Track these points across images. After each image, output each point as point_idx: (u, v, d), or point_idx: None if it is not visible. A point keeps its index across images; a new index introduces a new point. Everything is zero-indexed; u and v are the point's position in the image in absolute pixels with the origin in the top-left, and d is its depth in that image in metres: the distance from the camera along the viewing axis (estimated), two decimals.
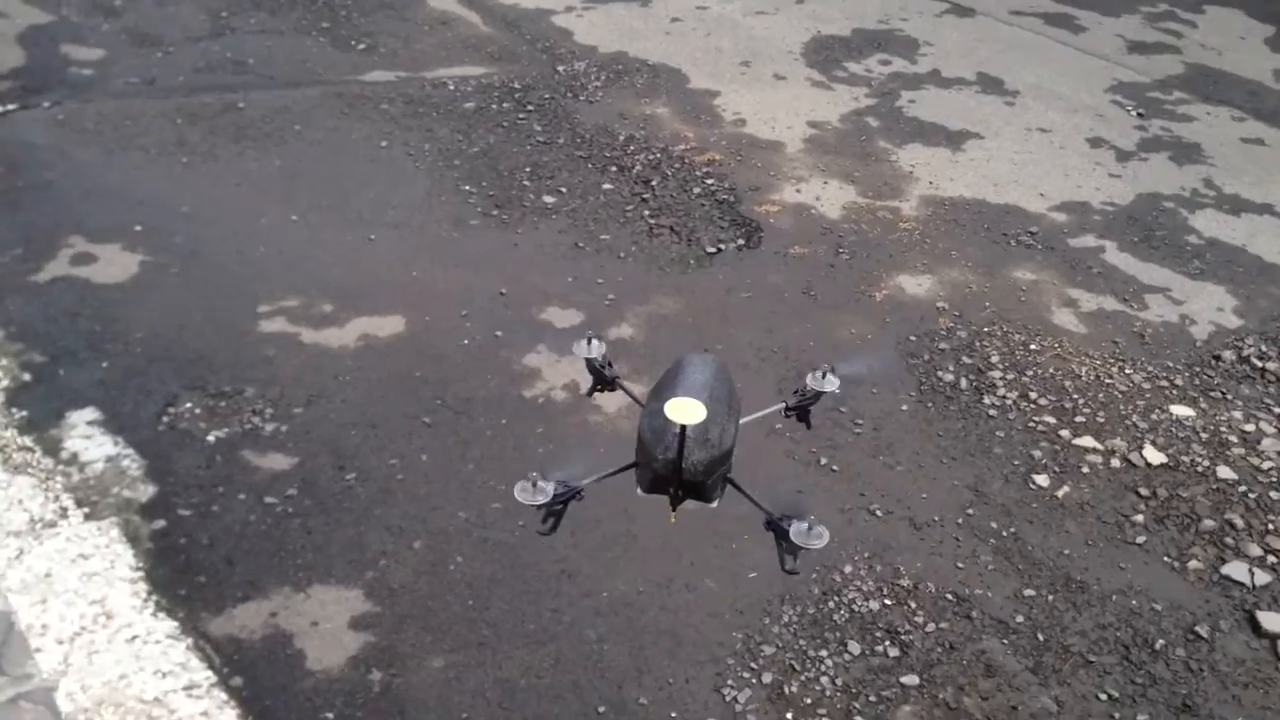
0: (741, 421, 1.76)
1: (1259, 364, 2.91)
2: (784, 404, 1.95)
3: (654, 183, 3.65)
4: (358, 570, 2.20)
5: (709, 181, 3.68)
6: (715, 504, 1.71)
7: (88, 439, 2.45)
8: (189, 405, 2.57)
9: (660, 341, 2.93)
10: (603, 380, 2.00)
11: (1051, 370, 2.86)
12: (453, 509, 2.35)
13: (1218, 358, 2.94)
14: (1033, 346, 2.95)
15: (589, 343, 1.92)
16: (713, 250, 3.33)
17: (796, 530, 1.61)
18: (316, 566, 2.20)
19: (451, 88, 4.14)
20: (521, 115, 4.00)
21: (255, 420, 2.55)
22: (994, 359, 2.90)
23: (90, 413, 2.52)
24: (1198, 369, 2.90)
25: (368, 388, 2.68)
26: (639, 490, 1.70)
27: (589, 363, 1.93)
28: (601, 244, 3.31)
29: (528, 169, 3.67)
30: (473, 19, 4.72)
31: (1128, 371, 2.87)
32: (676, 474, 1.62)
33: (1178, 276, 3.29)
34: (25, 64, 4.02)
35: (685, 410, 1.52)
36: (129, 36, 4.28)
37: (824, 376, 1.89)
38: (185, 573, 2.16)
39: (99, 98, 3.83)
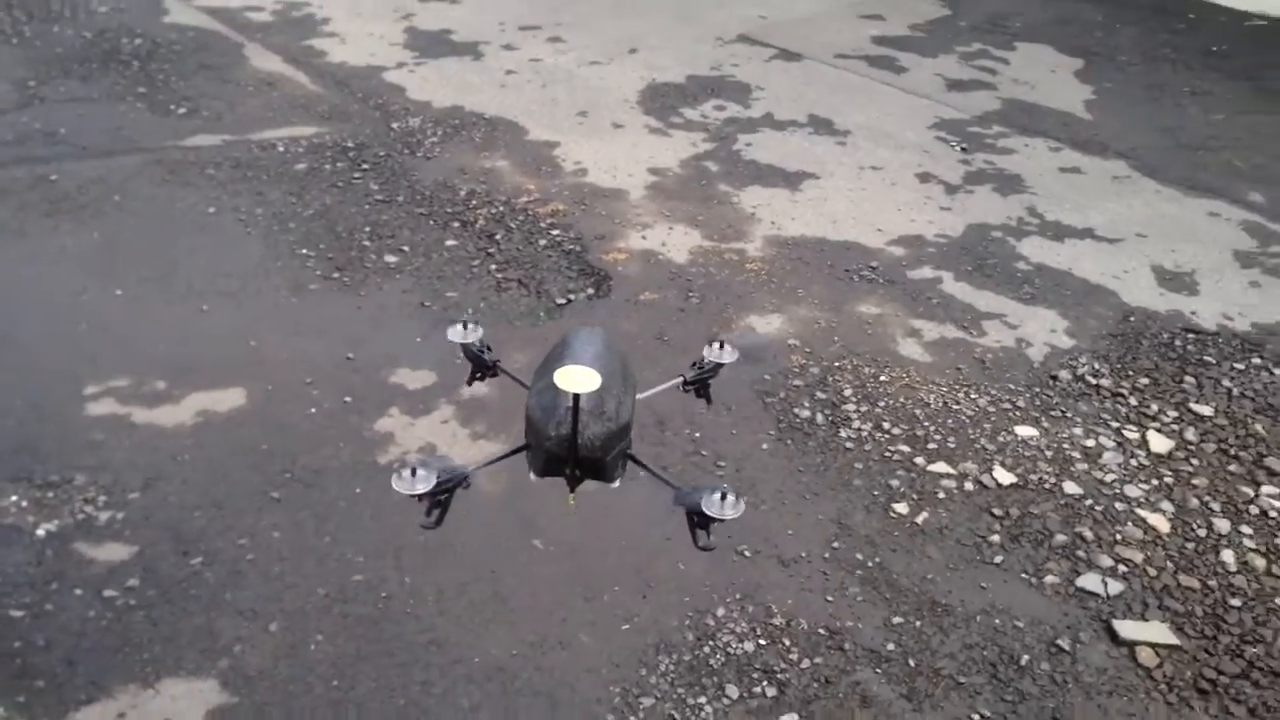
0: (639, 396, 1.67)
1: (1093, 381, 3.04)
2: (682, 377, 1.88)
3: (498, 236, 3.61)
4: (210, 659, 2.07)
5: (554, 232, 3.66)
6: (616, 484, 1.60)
7: None
8: (14, 499, 2.39)
9: (514, 398, 2.87)
10: (482, 366, 1.88)
11: (902, 400, 2.92)
12: (310, 586, 2.24)
13: (1054, 378, 3.06)
14: (883, 378, 3.01)
15: (465, 326, 1.81)
16: (563, 301, 3.30)
17: (709, 503, 1.52)
18: (165, 659, 2.06)
19: (281, 149, 4.02)
20: (357, 175, 3.91)
21: (88, 509, 2.38)
22: (847, 392, 2.94)
23: None
24: (1037, 389, 3.01)
25: (209, 466, 2.54)
26: (532, 476, 1.59)
27: (466, 349, 1.81)
28: (449, 301, 3.24)
29: (367, 229, 3.58)
30: (300, 79, 4.60)
31: (973, 396, 2.96)
32: (573, 451, 1.50)
33: (1011, 302, 3.42)
34: None
35: (577, 379, 1.40)
36: None
37: (720, 348, 1.84)
38: (21, 678, 1.99)
39: None
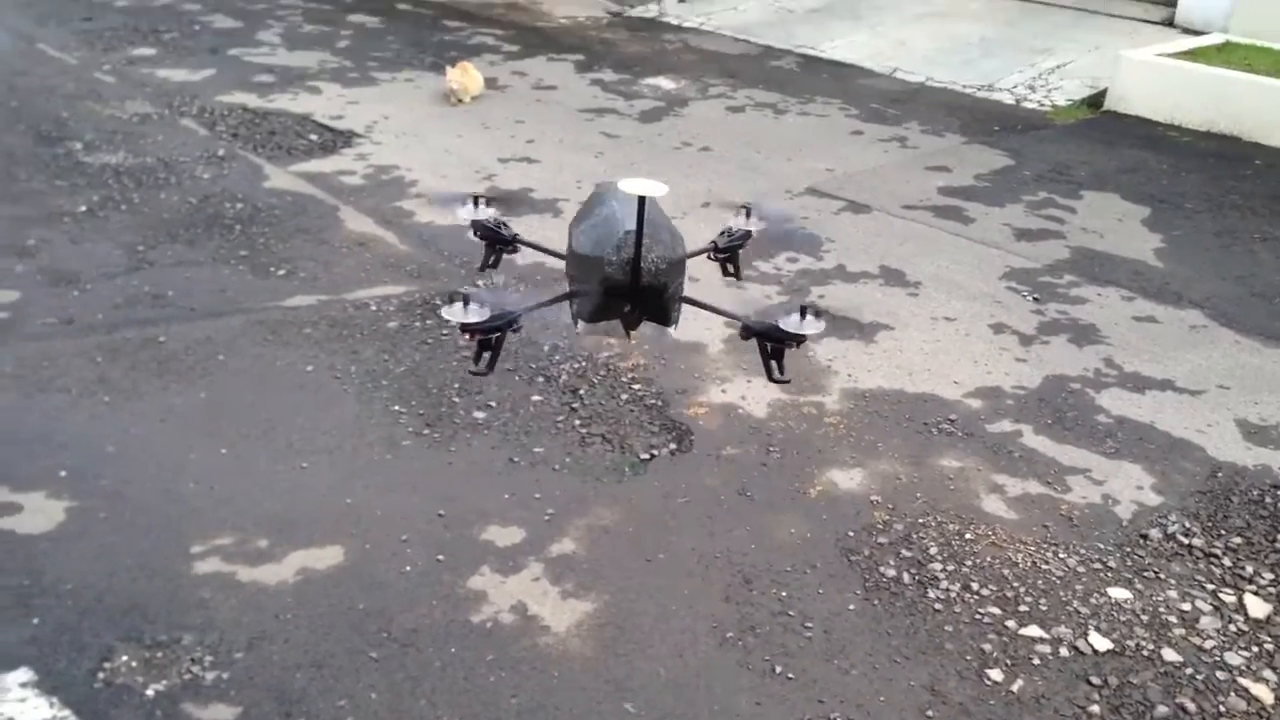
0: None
1: (1185, 540, 3.02)
2: (713, 244, 1.81)
3: (582, 391, 3.71)
4: None
5: (636, 386, 3.76)
6: (674, 329, 1.51)
7: (22, 701, 2.33)
8: (125, 658, 2.47)
9: (603, 555, 2.93)
10: (500, 241, 1.77)
11: (989, 559, 2.92)
12: None
13: (1145, 536, 3.04)
14: (968, 535, 3.02)
15: (475, 204, 1.70)
16: (646, 457, 3.37)
17: (788, 322, 1.42)
18: None
19: (374, 308, 4.19)
20: (445, 331, 4.06)
21: (195, 669, 2.45)
22: (932, 550, 2.95)
23: (23, 673, 2.40)
24: (1128, 549, 2.99)
25: (310, 625, 2.61)
26: (580, 327, 1.50)
27: (478, 226, 1.70)
28: (535, 457, 3.33)
29: (456, 385, 3.70)
30: (390, 239, 4.82)
31: (1062, 556, 2.95)
32: (635, 276, 1.40)
33: (1095, 456, 3.42)
34: None
35: (643, 185, 1.33)
36: (44, 276, 4.27)
37: (747, 216, 1.78)
38: None
39: (15, 341, 3.79)
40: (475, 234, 1.77)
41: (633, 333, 1.53)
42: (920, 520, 3.08)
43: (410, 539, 2.94)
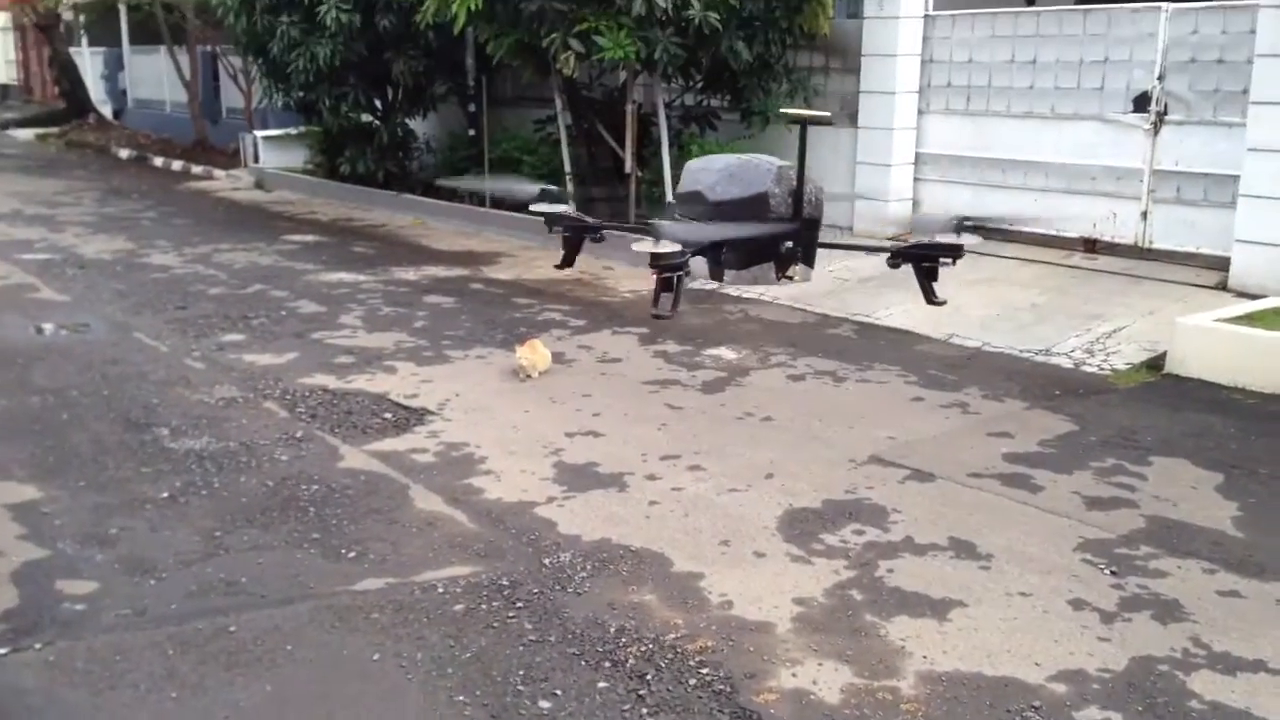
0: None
1: None
2: (906, 244, 1.73)
3: (649, 676, 3.64)
4: None
5: (704, 671, 3.68)
6: (811, 276, 1.47)
7: None
8: None
9: None
10: (587, 230, 1.76)
11: None
12: None
13: None
14: None
15: (546, 199, 1.68)
16: None
17: (944, 235, 1.37)
18: None
19: (440, 590, 4.21)
20: (511, 614, 4.05)
21: None
22: None
23: None
24: None
25: None
26: (727, 276, 1.46)
27: (559, 218, 1.65)
28: None
29: (521, 672, 3.66)
30: (459, 517, 4.90)
31: None
32: (798, 206, 1.42)
33: None
34: (18, 604, 4.07)
35: (805, 111, 1.31)
36: (121, 565, 4.38)
37: (958, 232, 1.72)
38: None
39: (90, 633, 3.86)
40: (554, 228, 1.83)
41: (786, 275, 1.58)
42: None
43: None
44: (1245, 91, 8.21)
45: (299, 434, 5.86)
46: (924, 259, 1.59)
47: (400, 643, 3.82)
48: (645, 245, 1.60)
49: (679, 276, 1.64)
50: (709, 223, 1.55)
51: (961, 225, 1.58)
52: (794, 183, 1.45)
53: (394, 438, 5.87)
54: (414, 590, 4.21)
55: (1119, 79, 9.10)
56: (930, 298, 1.74)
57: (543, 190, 1.96)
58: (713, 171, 1.68)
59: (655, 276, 1.60)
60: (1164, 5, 8.81)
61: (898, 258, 1.66)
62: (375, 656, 3.73)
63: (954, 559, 4.54)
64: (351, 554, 4.50)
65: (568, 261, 1.86)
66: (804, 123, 1.38)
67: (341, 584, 4.25)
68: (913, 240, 1.91)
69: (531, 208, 2.20)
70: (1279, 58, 7.87)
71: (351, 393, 6.61)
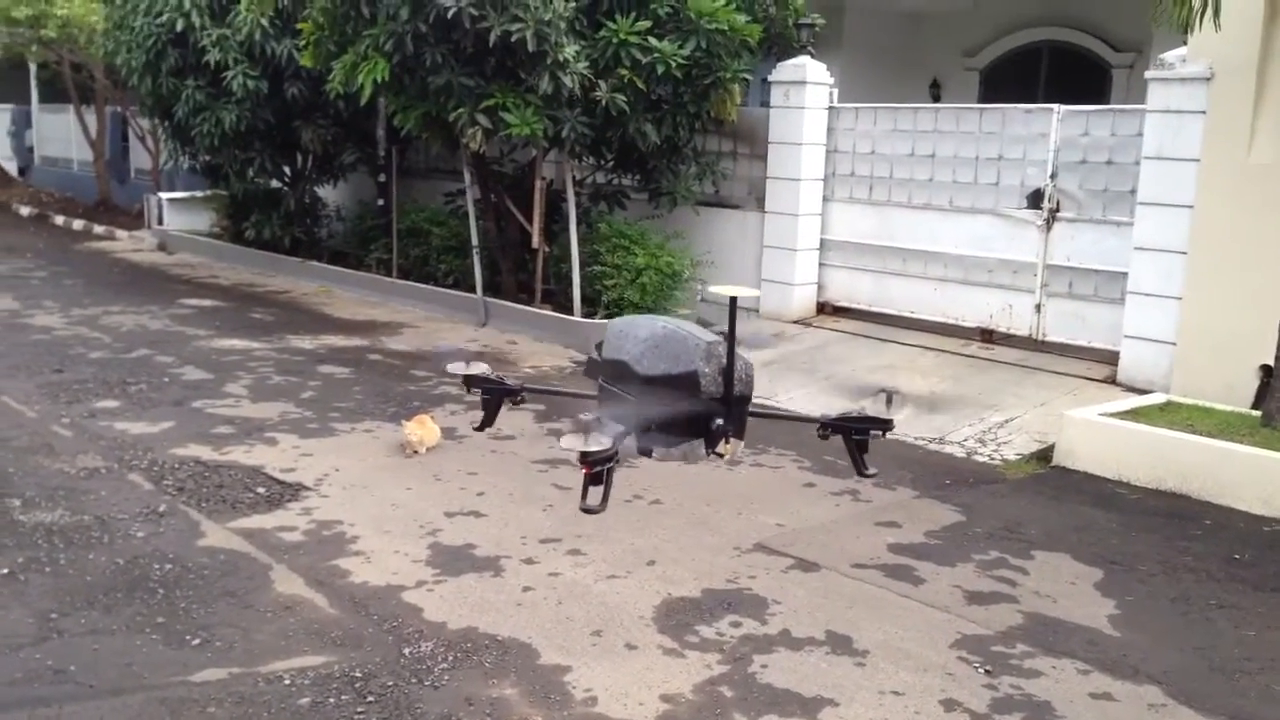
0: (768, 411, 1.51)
1: None
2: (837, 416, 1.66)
3: None
4: None
5: None
6: (741, 446, 1.40)
7: None
8: None
9: None
10: (507, 392, 1.68)
11: None
12: None
13: None
14: None
15: (466, 363, 1.64)
16: None
17: (875, 408, 1.32)
18: None
19: (287, 681, 3.97)
20: (360, 709, 3.83)
21: None
22: None
23: None
24: None
25: None
26: (656, 454, 1.38)
27: (471, 381, 1.60)
28: None
29: None
30: (319, 601, 4.66)
31: None
32: (729, 386, 1.35)
33: None
34: None
35: (732, 289, 1.30)
36: None
37: (888, 404, 1.66)
38: None
39: None
40: (471, 390, 1.77)
41: (717, 451, 1.53)
42: None
43: None
44: (1133, 192, 8.44)
45: (161, 508, 5.57)
46: (854, 431, 1.60)
47: None
48: (574, 442, 1.55)
49: (609, 469, 1.59)
50: (638, 399, 1.52)
51: (890, 398, 1.60)
52: (723, 360, 1.42)
53: (264, 514, 5.62)
54: (258, 681, 3.96)
55: (1014, 176, 9.30)
56: (861, 470, 1.73)
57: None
58: (639, 341, 1.64)
59: (585, 473, 1.55)
60: (1056, 107, 9.07)
61: (827, 429, 1.65)
62: None
63: (829, 654, 4.43)
64: (196, 641, 4.23)
65: (487, 422, 1.82)
66: (733, 299, 1.37)
67: (179, 674, 3.98)
68: (837, 415, 1.91)
69: (448, 368, 2.15)
70: (1165, 160, 8.10)
71: (225, 465, 6.34)
